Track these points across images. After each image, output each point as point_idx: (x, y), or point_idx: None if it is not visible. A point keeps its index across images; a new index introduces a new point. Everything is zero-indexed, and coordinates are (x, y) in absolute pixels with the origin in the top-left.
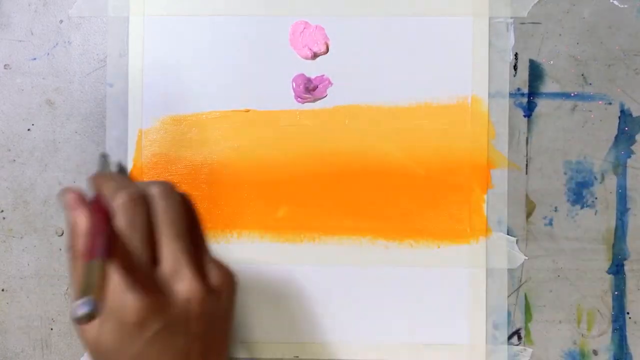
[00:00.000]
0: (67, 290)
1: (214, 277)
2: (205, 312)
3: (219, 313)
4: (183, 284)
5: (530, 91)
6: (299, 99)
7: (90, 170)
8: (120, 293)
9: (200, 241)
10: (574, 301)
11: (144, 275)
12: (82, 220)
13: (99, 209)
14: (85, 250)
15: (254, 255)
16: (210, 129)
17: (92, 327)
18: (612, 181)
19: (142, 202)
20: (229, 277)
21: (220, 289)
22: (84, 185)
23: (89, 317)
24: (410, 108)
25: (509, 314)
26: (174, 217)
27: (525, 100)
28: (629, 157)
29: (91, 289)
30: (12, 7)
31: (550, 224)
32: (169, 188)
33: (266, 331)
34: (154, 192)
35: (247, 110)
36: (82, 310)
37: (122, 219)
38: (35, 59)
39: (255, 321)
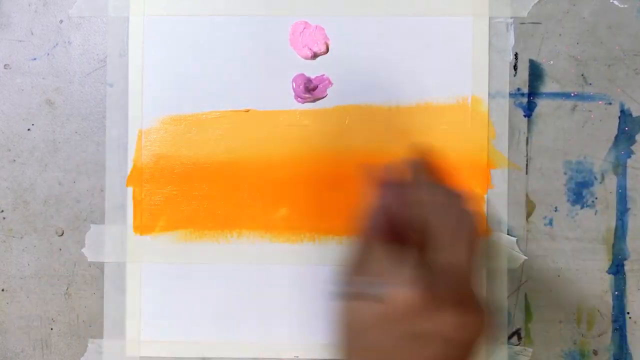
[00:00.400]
0: (67, 290)
1: (476, 311)
2: (461, 342)
3: (471, 347)
4: (457, 308)
5: (530, 91)
6: (299, 99)
7: (89, 170)
8: (400, 285)
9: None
10: (574, 301)
11: (427, 277)
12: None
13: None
14: None
15: (254, 255)
16: (210, 129)
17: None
18: (612, 181)
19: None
20: (485, 314)
21: (479, 326)
22: (83, 185)
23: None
24: (411, 108)
25: (509, 313)
26: (465, 235)
27: (525, 100)
28: (629, 157)
29: None
30: (12, 7)
31: (550, 224)
32: (471, 211)
33: (266, 331)
34: (462, 202)
35: (247, 110)
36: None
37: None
38: (35, 59)
39: (255, 321)
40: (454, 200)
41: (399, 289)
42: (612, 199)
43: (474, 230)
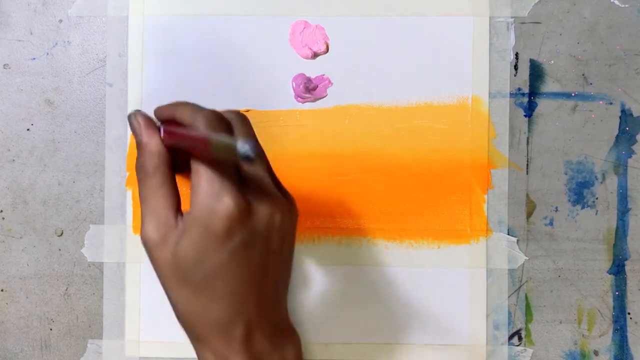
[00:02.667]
0: (66, 290)
1: (287, 197)
2: (283, 228)
3: (291, 231)
4: (268, 198)
5: (531, 91)
6: (299, 98)
7: (89, 170)
8: (212, 196)
9: (269, 165)
10: (575, 301)
11: (235, 182)
12: (154, 141)
13: (176, 127)
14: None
15: None
16: None
17: (167, 242)
18: (612, 181)
19: (223, 121)
20: (293, 199)
21: (291, 209)
22: (83, 185)
23: (250, 157)
24: (411, 108)
25: (509, 314)
26: (253, 138)
27: (525, 100)
28: (630, 157)
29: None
30: (12, 7)
31: (551, 224)
32: (243, 116)
33: None
34: (231, 116)
35: (247, 110)
36: (246, 147)
37: (211, 129)
38: (34, 58)
39: None
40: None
41: (213, 206)
42: (613, 199)
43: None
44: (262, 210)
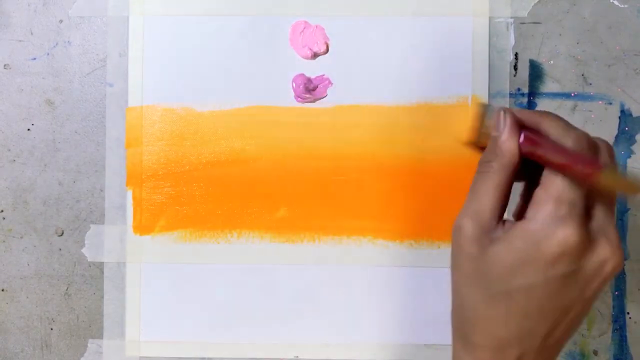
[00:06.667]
0: (67, 290)
1: (620, 246)
2: (606, 280)
3: (606, 284)
4: (610, 243)
5: (531, 91)
6: (299, 98)
7: (89, 170)
8: (556, 219)
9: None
10: None
11: (584, 215)
12: (511, 144)
13: (539, 138)
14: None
15: (254, 255)
16: (210, 129)
17: (475, 240)
18: None
19: (592, 146)
20: (622, 251)
21: (621, 263)
22: (83, 185)
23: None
24: (411, 108)
25: None
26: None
27: (525, 100)
28: (629, 157)
29: None
30: (12, 7)
31: None
32: (610, 146)
33: (266, 331)
34: (603, 145)
35: (248, 110)
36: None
37: (578, 149)
38: (35, 58)
39: (255, 321)
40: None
41: (553, 228)
42: None
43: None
44: (600, 253)
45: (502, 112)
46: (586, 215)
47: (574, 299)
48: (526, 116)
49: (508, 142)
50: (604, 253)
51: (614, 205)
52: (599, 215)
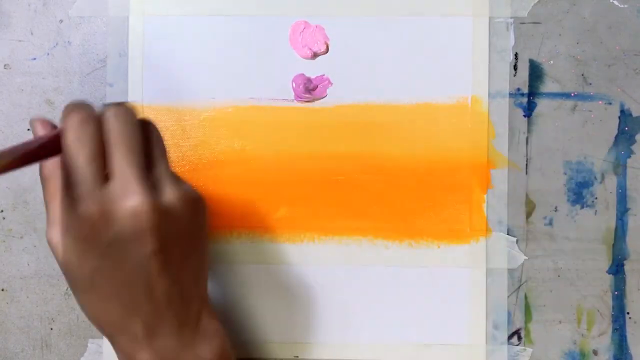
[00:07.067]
0: (67, 290)
1: (169, 193)
2: (157, 228)
3: (177, 230)
4: (130, 197)
5: (530, 91)
6: (298, 98)
7: None
8: (69, 208)
9: (157, 162)
10: (574, 301)
11: (90, 190)
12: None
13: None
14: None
15: (254, 255)
16: (210, 128)
17: (58, 246)
18: (612, 181)
19: (92, 121)
20: (187, 194)
21: (176, 206)
22: None
23: None
24: (410, 108)
25: (509, 314)
26: (125, 135)
27: (525, 100)
28: (629, 157)
29: None
30: (12, 7)
31: (550, 224)
32: (123, 109)
33: (266, 331)
34: (108, 113)
35: (247, 110)
36: None
37: (69, 137)
38: (35, 58)
39: (255, 321)
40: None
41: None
42: (612, 199)
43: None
44: (124, 210)
45: (32, 121)
46: (111, 182)
47: (140, 258)
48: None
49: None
50: (128, 210)
51: (131, 161)
52: (113, 180)
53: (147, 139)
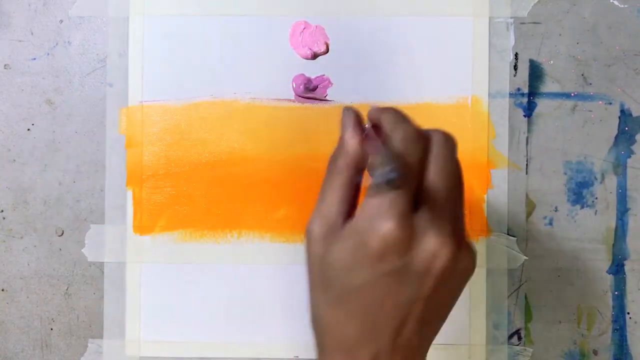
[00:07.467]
0: (67, 290)
1: (465, 245)
2: (443, 275)
3: (454, 283)
4: (438, 235)
5: (530, 91)
6: (299, 98)
7: (89, 170)
8: (377, 216)
9: (460, 207)
10: (574, 301)
11: (407, 210)
12: (354, 142)
13: (375, 135)
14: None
15: (254, 255)
16: (210, 129)
17: (318, 242)
18: (612, 181)
19: (421, 139)
20: (474, 253)
21: (465, 260)
22: (83, 185)
23: (396, 183)
24: (411, 108)
25: (509, 314)
26: (448, 164)
27: (525, 100)
28: (629, 157)
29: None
30: (12, 7)
31: (550, 224)
32: (450, 139)
33: (266, 331)
34: (436, 137)
35: (248, 110)
36: (391, 175)
37: (399, 148)
38: (35, 58)
39: (256, 321)
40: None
41: (375, 224)
42: (612, 199)
43: (459, 171)
44: (426, 247)
45: (345, 111)
46: (415, 209)
47: (411, 296)
48: (372, 113)
49: (350, 140)
50: (429, 246)
51: (453, 199)
52: (427, 209)
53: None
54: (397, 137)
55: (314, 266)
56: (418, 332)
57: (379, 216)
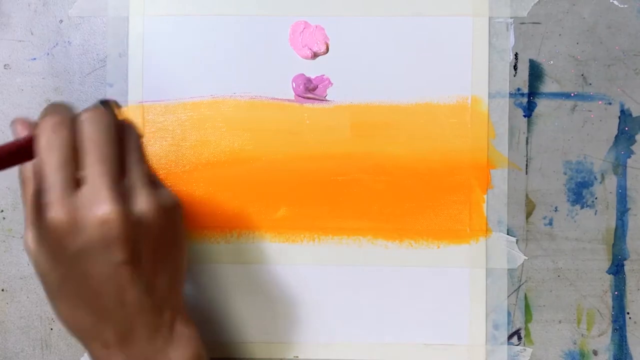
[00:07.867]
0: None
1: (141, 201)
2: (127, 238)
3: (149, 239)
4: (99, 206)
5: (530, 91)
6: (299, 98)
7: None
8: (39, 214)
9: (133, 168)
10: (574, 301)
11: (59, 196)
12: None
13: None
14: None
15: (255, 255)
16: (210, 128)
17: (30, 252)
18: (612, 181)
19: (65, 125)
20: (161, 202)
21: (148, 215)
22: None
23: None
24: (411, 108)
25: (508, 314)
26: (98, 142)
27: (525, 100)
28: (629, 157)
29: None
30: (12, 7)
31: (550, 224)
32: (98, 113)
33: (266, 331)
34: (82, 117)
35: (247, 110)
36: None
37: (41, 141)
38: (35, 59)
39: (255, 321)
40: None
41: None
42: (612, 199)
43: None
44: (94, 219)
45: (13, 122)
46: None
47: (109, 267)
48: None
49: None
50: (97, 218)
51: (104, 168)
52: (85, 187)
53: (123, 143)
54: (40, 126)
55: (39, 279)
56: (145, 292)
57: (42, 212)
